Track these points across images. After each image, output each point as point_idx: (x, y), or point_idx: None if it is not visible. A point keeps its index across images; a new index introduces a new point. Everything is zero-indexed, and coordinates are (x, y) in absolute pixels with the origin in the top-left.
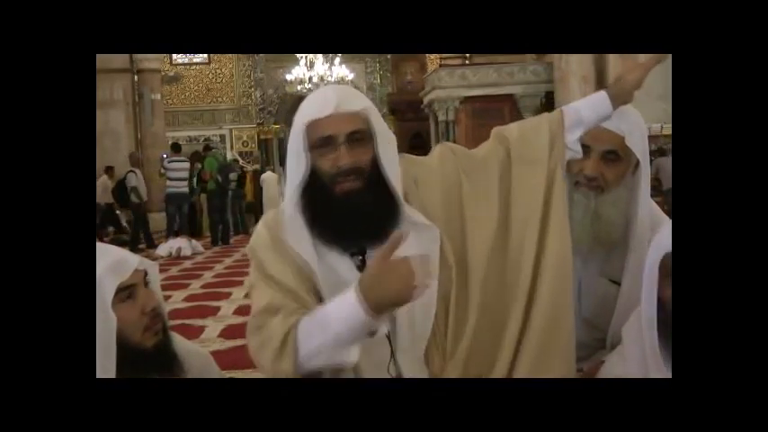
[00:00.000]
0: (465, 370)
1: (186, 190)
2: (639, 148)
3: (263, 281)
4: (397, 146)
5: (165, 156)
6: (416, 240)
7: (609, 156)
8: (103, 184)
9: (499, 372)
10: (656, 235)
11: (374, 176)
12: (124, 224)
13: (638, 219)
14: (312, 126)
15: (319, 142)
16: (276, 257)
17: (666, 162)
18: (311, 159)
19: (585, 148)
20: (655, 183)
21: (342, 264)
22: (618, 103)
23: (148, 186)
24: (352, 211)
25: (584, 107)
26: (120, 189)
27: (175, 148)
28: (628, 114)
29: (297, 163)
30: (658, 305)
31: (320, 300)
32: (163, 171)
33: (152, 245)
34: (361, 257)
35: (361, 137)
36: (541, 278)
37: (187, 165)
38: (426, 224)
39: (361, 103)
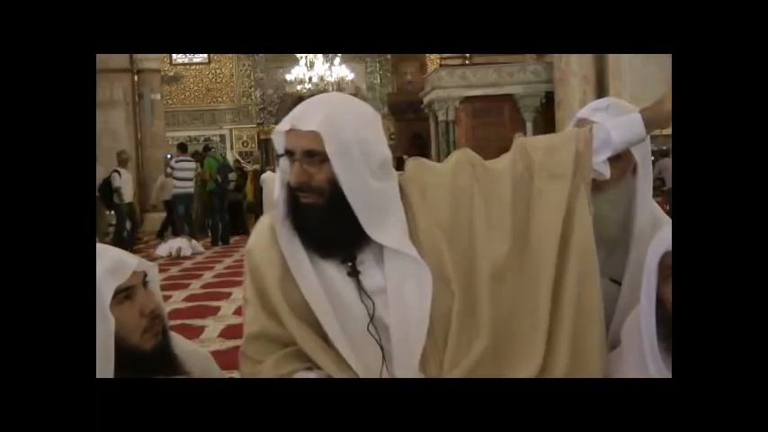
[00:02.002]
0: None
1: (192, 190)
2: (640, 147)
3: (257, 300)
4: (384, 162)
5: (169, 156)
6: (411, 261)
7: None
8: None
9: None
10: (655, 235)
11: (334, 195)
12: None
13: (637, 219)
14: (283, 137)
15: (285, 154)
16: (271, 265)
17: (670, 163)
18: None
19: None
20: (657, 182)
21: (332, 269)
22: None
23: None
24: (311, 224)
25: (616, 129)
26: (107, 189)
27: (182, 148)
28: (629, 113)
29: (282, 166)
30: (658, 304)
31: (312, 317)
32: (170, 171)
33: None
34: (351, 264)
35: (319, 156)
36: (564, 298)
37: (194, 165)
38: (410, 255)
39: (314, 123)
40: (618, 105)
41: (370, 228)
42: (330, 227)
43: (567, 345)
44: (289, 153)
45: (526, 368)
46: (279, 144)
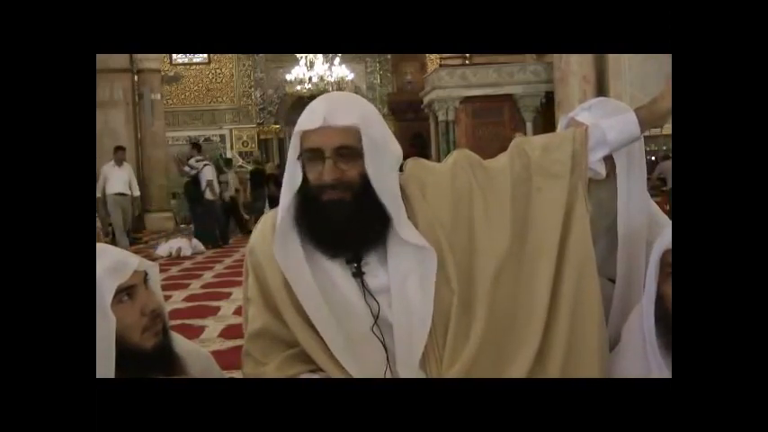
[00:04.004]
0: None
1: None
2: (625, 149)
3: (260, 297)
4: (399, 159)
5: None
6: (414, 259)
7: None
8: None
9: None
10: (657, 235)
11: (363, 190)
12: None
13: (630, 219)
14: (304, 136)
15: (309, 153)
16: (275, 263)
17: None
18: (303, 168)
19: None
20: (658, 183)
21: (336, 270)
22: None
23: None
24: (337, 221)
25: (611, 128)
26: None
27: (197, 147)
28: (617, 111)
29: (292, 170)
30: (658, 303)
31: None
32: (188, 169)
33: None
34: (356, 264)
35: (350, 152)
36: (562, 293)
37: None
38: (424, 246)
39: (352, 117)
40: (603, 104)
41: (396, 222)
42: (356, 223)
43: (563, 338)
44: (316, 151)
45: (522, 358)
46: (304, 143)
